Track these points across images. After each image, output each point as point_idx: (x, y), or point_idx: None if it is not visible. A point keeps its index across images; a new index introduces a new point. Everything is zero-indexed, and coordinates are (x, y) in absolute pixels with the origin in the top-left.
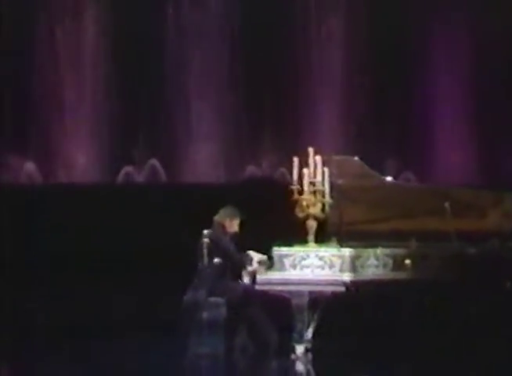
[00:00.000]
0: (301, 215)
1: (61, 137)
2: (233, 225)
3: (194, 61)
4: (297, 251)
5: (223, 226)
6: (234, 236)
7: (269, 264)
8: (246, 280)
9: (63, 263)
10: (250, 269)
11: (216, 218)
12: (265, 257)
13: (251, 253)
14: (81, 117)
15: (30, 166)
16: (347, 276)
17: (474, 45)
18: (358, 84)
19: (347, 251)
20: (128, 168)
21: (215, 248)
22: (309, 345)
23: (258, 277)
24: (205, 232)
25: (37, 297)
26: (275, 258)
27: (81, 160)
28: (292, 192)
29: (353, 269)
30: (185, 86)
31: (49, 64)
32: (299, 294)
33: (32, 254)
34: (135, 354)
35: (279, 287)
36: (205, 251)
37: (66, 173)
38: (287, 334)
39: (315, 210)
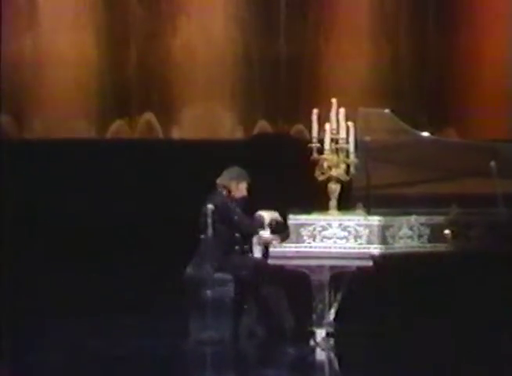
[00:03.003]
0: (321, 177)
1: (41, 86)
2: (240, 190)
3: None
4: (316, 219)
5: (228, 191)
6: (242, 201)
7: (283, 225)
8: (257, 252)
9: (45, 229)
10: (263, 234)
11: (219, 181)
12: (277, 215)
13: (261, 213)
14: (66, 65)
15: (4, 119)
16: (375, 249)
17: None
18: (390, 28)
19: (375, 220)
20: (120, 123)
21: (220, 216)
22: (331, 329)
23: (272, 250)
24: (209, 197)
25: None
26: (292, 228)
27: (64, 113)
28: (311, 150)
29: (382, 240)
30: (185, 26)
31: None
32: (319, 269)
33: (13, 219)
34: (127, 338)
35: (296, 262)
36: (209, 219)
37: (47, 127)
38: (305, 317)
39: (338, 171)
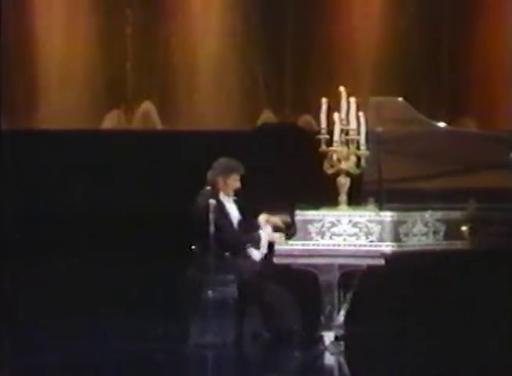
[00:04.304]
0: (330, 170)
1: (32, 74)
2: (230, 184)
3: None
4: (325, 215)
5: (214, 186)
6: (232, 198)
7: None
8: (263, 249)
9: (43, 226)
10: (256, 255)
11: (207, 176)
12: (277, 235)
13: (261, 233)
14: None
15: None
16: (387, 247)
17: None
18: (403, 16)
19: (387, 216)
20: (115, 112)
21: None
22: (340, 332)
23: (277, 248)
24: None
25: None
26: (299, 225)
27: (57, 103)
28: (319, 142)
29: (395, 237)
30: (187, 14)
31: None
32: (328, 268)
33: (12, 215)
34: (124, 341)
35: (303, 260)
36: (211, 215)
37: (38, 118)
38: (313, 319)
39: (348, 164)
